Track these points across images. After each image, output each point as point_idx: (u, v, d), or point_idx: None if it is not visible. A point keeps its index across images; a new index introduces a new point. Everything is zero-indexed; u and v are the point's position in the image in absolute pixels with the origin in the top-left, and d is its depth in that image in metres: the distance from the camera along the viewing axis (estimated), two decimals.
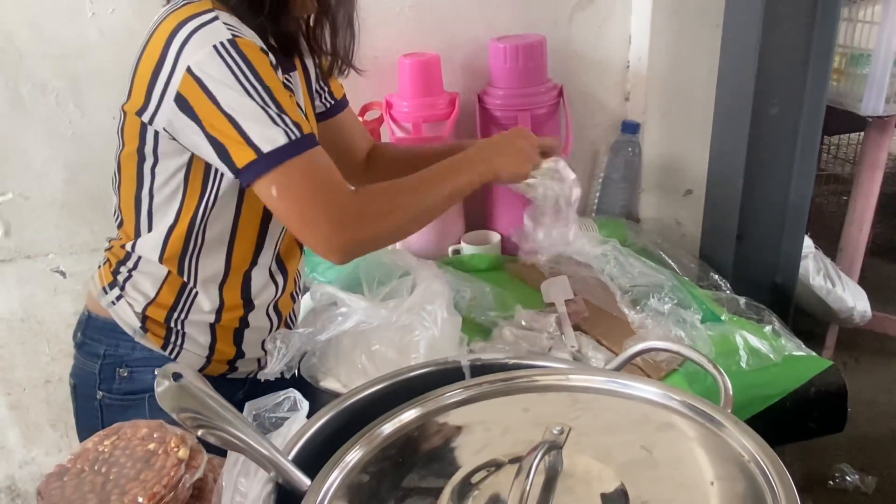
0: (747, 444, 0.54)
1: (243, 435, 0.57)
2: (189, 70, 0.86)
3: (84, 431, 1.08)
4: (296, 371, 1.09)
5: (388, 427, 0.62)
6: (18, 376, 1.68)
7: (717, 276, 1.50)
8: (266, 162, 0.85)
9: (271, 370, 1.03)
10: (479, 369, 0.71)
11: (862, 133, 2.24)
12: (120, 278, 1.04)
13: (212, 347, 1.07)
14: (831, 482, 1.94)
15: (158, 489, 0.72)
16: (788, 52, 1.48)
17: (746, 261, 1.63)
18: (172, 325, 1.04)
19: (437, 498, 0.55)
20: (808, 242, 1.95)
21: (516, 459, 0.57)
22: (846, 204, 2.28)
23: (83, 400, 1.08)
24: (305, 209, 0.88)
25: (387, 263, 1.33)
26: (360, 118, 1.53)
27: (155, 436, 0.79)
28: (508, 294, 1.37)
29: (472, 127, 1.55)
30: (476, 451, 0.60)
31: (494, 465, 0.58)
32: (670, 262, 1.49)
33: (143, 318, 1.03)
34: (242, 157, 0.86)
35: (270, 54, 0.91)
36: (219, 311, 1.05)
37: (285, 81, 1.01)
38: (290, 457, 0.60)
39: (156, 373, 0.58)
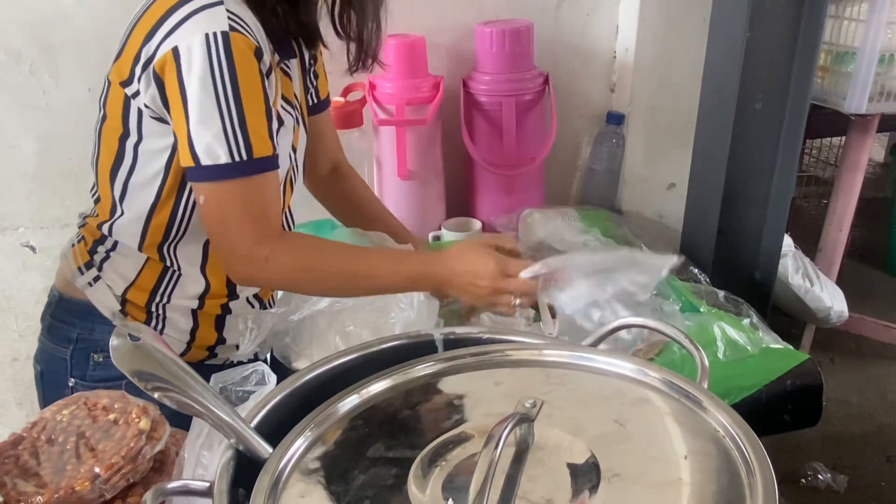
0: (722, 420, 0.53)
1: (202, 398, 0.55)
2: (174, 50, 0.83)
3: None
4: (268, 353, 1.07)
5: (357, 398, 0.60)
6: None
7: (696, 270, 1.49)
8: (201, 173, 0.85)
9: (244, 351, 1.01)
10: (453, 343, 0.69)
11: (844, 137, 2.25)
12: (97, 258, 1.00)
13: (193, 332, 1.04)
14: (803, 480, 1.95)
15: (117, 460, 0.70)
16: (774, 48, 1.48)
17: (726, 256, 1.63)
18: (154, 308, 1.00)
19: (405, 468, 0.53)
20: (787, 241, 1.95)
21: (487, 432, 0.55)
22: (826, 206, 2.28)
23: (51, 388, 1.03)
24: (223, 230, 0.89)
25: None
26: (343, 99, 1.50)
27: (116, 406, 0.76)
28: None
29: (456, 111, 1.53)
30: (446, 423, 0.58)
31: (464, 437, 0.56)
32: None
33: (123, 302, 0.99)
34: (185, 157, 0.86)
35: (265, 55, 0.87)
36: (203, 297, 1.03)
37: (284, 68, 0.98)
38: (253, 424, 0.58)
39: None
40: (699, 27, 1.53)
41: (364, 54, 1.04)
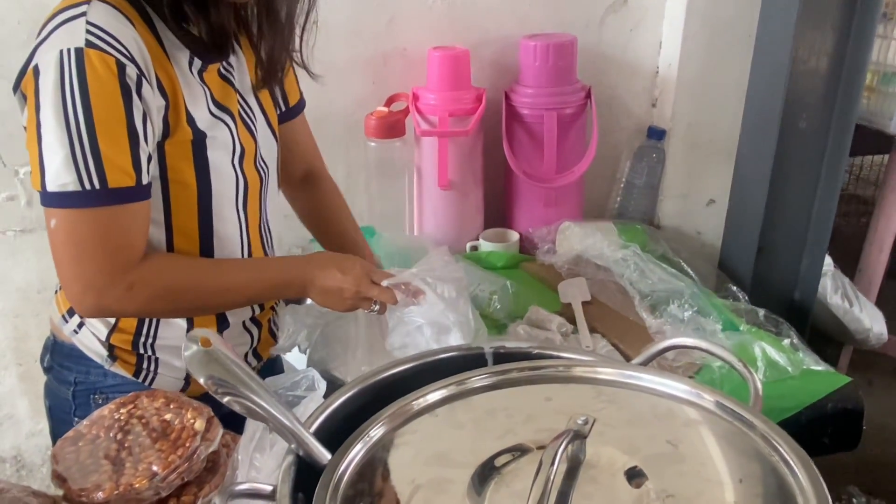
0: (777, 445, 0.54)
1: (267, 405, 0.57)
2: (34, 69, 0.79)
3: None
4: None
5: (413, 406, 0.62)
6: (31, 347, 1.68)
7: (735, 288, 1.49)
8: (48, 199, 0.79)
9: (282, 345, 1.01)
10: (502, 357, 0.71)
11: (885, 155, 2.23)
12: None
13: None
14: None
15: (173, 458, 0.72)
16: (820, 66, 1.47)
17: (766, 274, 1.62)
18: (142, 350, 0.97)
19: (460, 481, 0.54)
20: (827, 260, 1.93)
21: (539, 447, 0.56)
22: (866, 226, 2.25)
23: (59, 423, 1.01)
24: (76, 258, 0.81)
25: (407, 252, 1.33)
26: (386, 109, 1.53)
27: (172, 406, 0.78)
28: (526, 293, 1.36)
29: (498, 123, 1.54)
30: (498, 436, 0.59)
31: (517, 451, 0.57)
32: (689, 270, 1.48)
33: (110, 347, 0.96)
34: (35, 181, 0.80)
35: (131, 76, 0.79)
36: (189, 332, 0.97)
37: (222, 73, 0.91)
38: (312, 430, 0.59)
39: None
40: (744, 44, 1.53)
41: (265, 72, 0.97)
